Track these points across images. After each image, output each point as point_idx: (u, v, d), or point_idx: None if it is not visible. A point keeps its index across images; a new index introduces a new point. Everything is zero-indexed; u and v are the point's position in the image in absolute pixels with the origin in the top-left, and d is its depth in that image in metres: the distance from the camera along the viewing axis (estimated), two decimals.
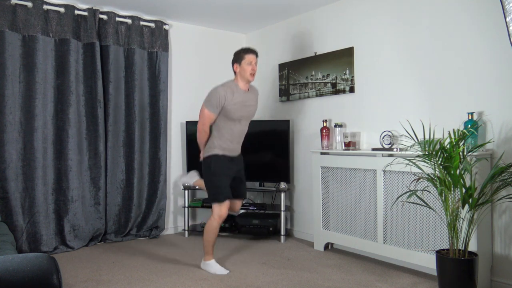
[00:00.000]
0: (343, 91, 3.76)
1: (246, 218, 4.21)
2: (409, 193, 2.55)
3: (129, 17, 4.07)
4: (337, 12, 3.85)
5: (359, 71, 3.64)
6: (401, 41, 3.33)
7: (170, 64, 4.43)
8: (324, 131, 3.75)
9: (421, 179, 2.58)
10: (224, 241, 4.04)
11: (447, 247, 2.65)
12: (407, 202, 2.83)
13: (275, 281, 2.93)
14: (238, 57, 3.10)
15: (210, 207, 4.21)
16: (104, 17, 3.93)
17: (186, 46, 4.56)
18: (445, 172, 2.46)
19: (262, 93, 4.26)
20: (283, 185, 4.07)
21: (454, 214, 2.45)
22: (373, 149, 3.30)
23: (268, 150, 4.27)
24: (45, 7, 3.61)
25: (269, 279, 2.97)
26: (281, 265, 3.29)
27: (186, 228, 4.31)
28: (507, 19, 2.29)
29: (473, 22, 2.87)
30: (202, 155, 3.19)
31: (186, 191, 4.28)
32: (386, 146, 3.27)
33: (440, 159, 2.47)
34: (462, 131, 2.54)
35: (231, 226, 4.25)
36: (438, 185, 2.49)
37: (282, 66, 4.42)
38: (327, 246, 3.76)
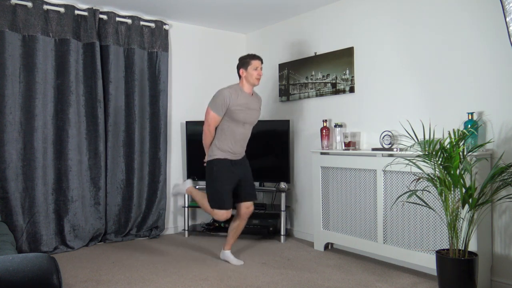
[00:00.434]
0: (343, 91, 3.76)
1: None
2: (409, 193, 2.55)
3: (129, 17, 4.07)
4: (337, 12, 3.85)
5: (359, 71, 3.64)
6: (401, 41, 3.33)
7: (170, 64, 4.43)
8: (324, 131, 3.75)
9: (421, 179, 2.59)
10: (224, 241, 4.03)
11: (447, 247, 2.65)
12: (407, 202, 2.83)
13: (275, 281, 2.93)
14: (245, 62, 3.20)
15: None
16: (104, 17, 3.93)
17: (186, 46, 4.56)
18: (445, 172, 2.46)
19: (262, 93, 4.26)
20: (283, 185, 4.07)
21: (454, 214, 2.45)
22: (373, 149, 3.30)
23: (268, 150, 4.27)
24: (45, 7, 3.61)
25: (269, 279, 2.97)
26: (281, 265, 3.29)
27: (186, 228, 4.31)
28: (507, 19, 2.29)
29: (473, 22, 2.87)
30: (206, 159, 3.26)
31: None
32: (386, 146, 3.27)
33: (440, 159, 2.47)
34: (462, 131, 2.54)
35: None
36: (438, 185, 2.49)
37: (282, 66, 4.42)
38: (327, 246, 3.76)
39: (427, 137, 2.65)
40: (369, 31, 3.56)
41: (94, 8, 3.86)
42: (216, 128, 3.20)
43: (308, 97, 4.11)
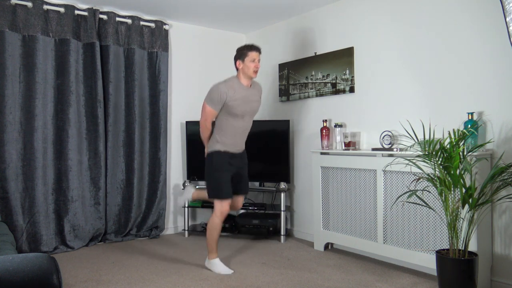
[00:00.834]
0: (343, 91, 3.76)
1: (246, 218, 4.21)
2: (409, 193, 2.55)
3: (129, 17, 4.07)
4: (337, 12, 3.85)
5: (359, 71, 3.64)
6: (401, 41, 3.33)
7: (170, 64, 4.43)
8: (324, 131, 3.75)
9: (421, 179, 2.58)
10: (224, 241, 4.03)
11: (447, 247, 2.65)
12: (407, 202, 2.83)
13: (275, 281, 2.93)
14: (241, 53, 3.08)
15: (210, 207, 4.25)
16: (104, 17, 3.93)
17: (186, 46, 4.56)
18: (445, 172, 2.46)
19: (262, 93, 4.25)
20: (283, 185, 4.07)
21: (454, 214, 2.45)
22: (373, 149, 3.30)
23: (268, 150, 4.27)
24: (45, 7, 3.61)
25: (269, 279, 2.97)
26: (281, 265, 3.29)
27: (186, 228, 4.31)
28: (507, 19, 2.29)
29: (473, 22, 2.87)
30: (206, 151, 3.21)
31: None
32: (386, 146, 3.27)
33: (440, 159, 2.47)
34: (462, 131, 2.54)
35: (231, 226, 4.25)
36: (438, 185, 2.49)
37: (282, 66, 4.42)
38: (327, 246, 3.76)
39: (427, 137, 2.65)
40: (369, 31, 3.56)
41: (94, 8, 3.86)
42: (215, 122, 3.15)
43: (308, 97, 4.11)
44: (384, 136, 3.30)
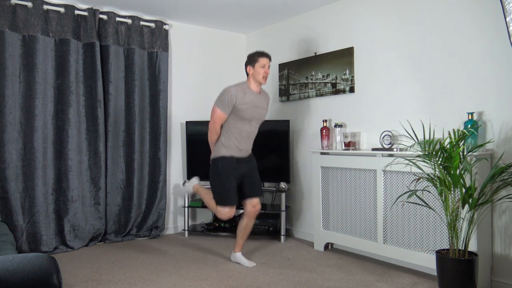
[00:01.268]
0: (343, 91, 3.76)
1: None
2: (409, 193, 2.54)
3: (129, 17, 4.07)
4: (337, 12, 3.85)
5: (359, 71, 3.64)
6: (401, 41, 3.33)
7: (170, 64, 4.43)
8: (324, 131, 3.75)
9: (421, 179, 2.58)
10: (224, 241, 4.04)
11: (447, 247, 2.65)
12: (407, 202, 2.83)
13: (275, 281, 2.93)
14: (252, 59, 3.16)
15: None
16: (104, 17, 3.93)
17: (186, 46, 4.56)
18: (445, 172, 2.46)
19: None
20: (283, 185, 4.07)
21: (454, 214, 2.45)
22: (373, 149, 3.30)
23: (268, 150, 4.27)
24: (45, 7, 3.61)
25: (269, 279, 2.97)
26: (281, 265, 3.29)
27: (186, 228, 4.31)
28: (507, 19, 2.29)
29: (473, 22, 2.87)
30: (211, 156, 3.24)
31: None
32: (386, 146, 3.27)
33: (440, 159, 2.47)
34: (462, 131, 2.54)
35: (231, 226, 4.26)
36: (438, 185, 2.49)
37: (282, 66, 4.42)
38: (327, 246, 3.76)
39: (427, 137, 2.65)
40: (369, 31, 3.56)
41: (94, 8, 3.86)
42: (222, 126, 3.19)
43: (308, 97, 4.11)
44: (384, 136, 3.30)
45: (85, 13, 3.81)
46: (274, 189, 4.19)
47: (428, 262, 2.87)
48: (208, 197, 3.31)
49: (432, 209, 2.67)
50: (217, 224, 4.32)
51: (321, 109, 4.00)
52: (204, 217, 4.64)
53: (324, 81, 3.94)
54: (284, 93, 4.40)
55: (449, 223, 2.47)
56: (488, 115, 2.79)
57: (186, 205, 4.29)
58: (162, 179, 4.23)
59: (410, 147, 2.61)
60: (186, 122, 4.42)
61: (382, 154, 3.19)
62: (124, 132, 4.07)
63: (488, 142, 2.70)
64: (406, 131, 2.80)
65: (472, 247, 2.61)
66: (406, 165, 2.74)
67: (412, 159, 2.61)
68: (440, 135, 2.84)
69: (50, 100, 3.66)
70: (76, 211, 3.77)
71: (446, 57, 3.03)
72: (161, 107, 4.22)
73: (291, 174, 4.28)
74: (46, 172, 3.63)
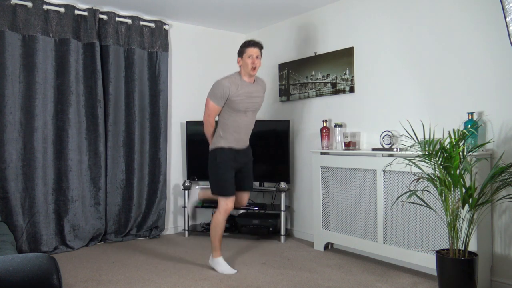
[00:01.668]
0: (343, 91, 3.76)
1: (246, 218, 4.22)
2: (409, 193, 2.55)
3: (129, 17, 4.07)
4: (337, 12, 3.85)
5: (359, 71, 3.64)
6: (401, 41, 3.33)
7: (170, 64, 4.43)
8: (324, 131, 3.75)
9: (421, 179, 2.58)
10: (224, 241, 4.03)
11: (447, 247, 2.65)
12: (407, 202, 2.83)
13: (275, 281, 2.93)
14: (241, 50, 3.11)
15: (211, 207, 4.25)
16: (104, 17, 3.93)
17: (186, 46, 4.56)
18: (445, 172, 2.46)
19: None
20: (283, 185, 4.07)
21: (454, 214, 2.45)
22: (373, 149, 3.30)
23: (268, 150, 4.27)
24: (45, 7, 3.61)
25: (269, 279, 2.97)
26: (281, 265, 3.29)
27: (186, 228, 4.31)
28: (507, 19, 2.29)
29: (473, 22, 2.87)
30: (210, 148, 3.21)
31: (185, 191, 4.28)
32: (386, 146, 3.27)
33: (440, 159, 2.46)
34: (462, 131, 2.54)
35: (231, 226, 4.25)
36: (438, 185, 2.49)
37: (282, 66, 4.42)
38: (327, 246, 3.76)
39: (427, 137, 2.65)
40: (369, 31, 3.56)
41: (94, 8, 3.86)
42: (218, 117, 3.16)
43: (308, 97, 4.11)
44: (384, 136, 3.30)
45: (85, 13, 3.81)
46: (274, 189, 4.19)
47: (428, 262, 2.87)
48: (211, 194, 3.26)
49: (432, 209, 2.67)
50: None
51: (321, 109, 4.00)
52: (204, 217, 4.64)
53: (324, 81, 3.94)
54: (284, 93, 4.40)
55: (449, 223, 2.47)
56: (488, 115, 2.79)
57: (186, 205, 4.29)
58: (162, 179, 4.23)
59: (410, 147, 2.61)
60: (186, 122, 4.42)
61: (382, 154, 3.19)
62: (124, 132, 4.07)
63: (488, 142, 2.70)
64: (406, 131, 2.80)
65: (472, 247, 2.61)
66: (406, 165, 2.74)
67: (412, 159, 2.61)
68: (440, 135, 2.84)
69: (50, 100, 3.66)
70: (76, 211, 3.77)
71: (446, 57, 3.03)
72: (161, 107, 4.22)
73: (291, 174, 4.28)
74: (46, 172, 3.63)
